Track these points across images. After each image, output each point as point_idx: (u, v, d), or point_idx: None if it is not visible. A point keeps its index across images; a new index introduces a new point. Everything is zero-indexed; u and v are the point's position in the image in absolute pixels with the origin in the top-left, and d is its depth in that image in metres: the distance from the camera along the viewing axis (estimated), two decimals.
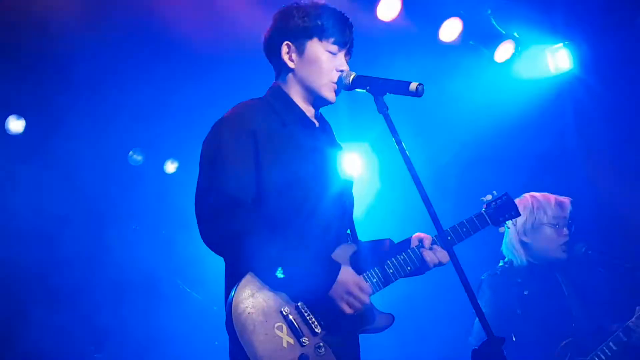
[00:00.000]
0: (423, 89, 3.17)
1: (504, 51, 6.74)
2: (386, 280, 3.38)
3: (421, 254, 3.46)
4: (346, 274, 3.18)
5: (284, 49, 3.41)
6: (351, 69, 3.42)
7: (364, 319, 3.28)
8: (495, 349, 2.93)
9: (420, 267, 3.48)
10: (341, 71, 3.39)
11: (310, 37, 3.38)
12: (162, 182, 7.32)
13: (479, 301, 3.06)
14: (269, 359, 3.03)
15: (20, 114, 6.54)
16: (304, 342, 3.11)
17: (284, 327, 3.10)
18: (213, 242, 3.17)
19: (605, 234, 5.99)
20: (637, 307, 5.00)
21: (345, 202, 3.44)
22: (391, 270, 3.40)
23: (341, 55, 3.42)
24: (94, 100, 6.47)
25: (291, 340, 3.09)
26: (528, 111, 6.76)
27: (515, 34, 6.69)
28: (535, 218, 5.27)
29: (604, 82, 6.56)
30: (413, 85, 3.18)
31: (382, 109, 3.20)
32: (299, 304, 3.15)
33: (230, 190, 3.14)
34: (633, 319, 4.98)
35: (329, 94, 3.41)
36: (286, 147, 3.30)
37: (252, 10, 5.42)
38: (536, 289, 5.22)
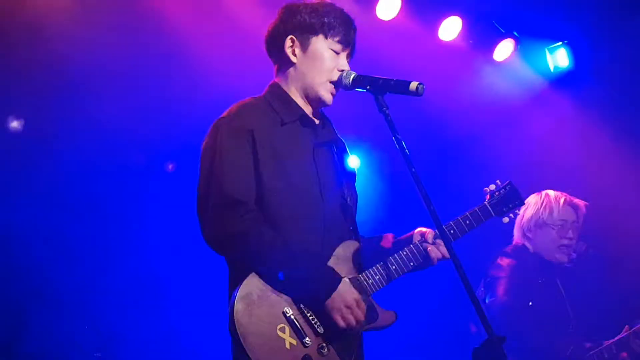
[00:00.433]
0: (423, 89, 3.17)
1: (503, 50, 6.74)
2: (389, 277, 3.37)
3: (424, 249, 3.46)
4: (345, 286, 3.17)
5: (288, 42, 3.39)
6: (351, 68, 3.42)
7: (367, 316, 3.26)
8: (496, 348, 2.93)
9: (424, 262, 3.47)
10: (342, 71, 3.39)
11: (315, 34, 3.37)
12: (166, 182, 7.30)
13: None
14: None
15: (20, 113, 6.54)
16: (307, 343, 3.11)
17: (287, 329, 3.09)
18: (214, 243, 3.16)
19: (605, 234, 5.99)
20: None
21: (347, 199, 3.42)
22: (394, 267, 3.39)
23: (343, 55, 3.42)
24: (94, 100, 6.46)
25: (294, 342, 3.09)
26: (527, 110, 6.76)
27: (515, 33, 6.70)
28: (540, 217, 5.26)
29: (603, 80, 6.57)
30: (413, 85, 3.18)
31: (382, 109, 3.20)
32: (301, 305, 3.15)
33: (229, 191, 3.13)
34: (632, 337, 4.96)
35: (326, 95, 3.40)
36: (285, 146, 3.29)
37: (254, 9, 5.42)
38: (538, 281, 5.21)
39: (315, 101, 3.43)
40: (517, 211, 3.85)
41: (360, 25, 3.49)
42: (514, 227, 5.38)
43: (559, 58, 6.77)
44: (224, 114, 3.33)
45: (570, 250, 5.25)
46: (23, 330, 6.41)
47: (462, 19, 6.45)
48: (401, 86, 3.20)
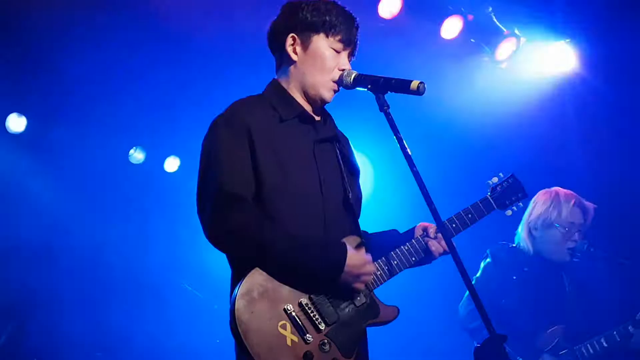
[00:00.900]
0: (424, 88, 3.18)
1: (505, 49, 6.73)
2: (391, 272, 3.38)
3: (426, 243, 3.46)
4: (351, 251, 3.20)
5: (289, 40, 3.39)
6: (352, 67, 3.42)
7: (368, 312, 3.27)
8: (497, 347, 2.93)
9: (426, 257, 3.47)
10: (343, 70, 3.38)
11: (317, 32, 3.36)
12: (164, 180, 7.31)
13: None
14: (273, 359, 3.03)
15: (21, 112, 6.54)
16: (309, 340, 3.11)
17: (288, 325, 3.09)
18: (216, 240, 3.16)
19: (607, 232, 5.98)
20: (638, 314, 4.97)
21: (349, 195, 3.40)
22: (396, 262, 3.39)
23: (344, 55, 3.41)
24: (94, 99, 6.48)
25: (295, 338, 3.09)
26: (529, 109, 6.75)
27: (517, 32, 6.69)
28: (548, 216, 5.20)
29: (607, 80, 6.55)
30: (414, 84, 3.19)
31: (384, 108, 3.21)
32: (302, 300, 3.15)
33: (229, 188, 3.13)
34: (630, 326, 4.96)
35: (326, 93, 3.39)
36: (283, 143, 3.28)
37: (255, 7, 5.41)
38: (537, 274, 5.19)
39: (315, 99, 3.42)
40: (520, 204, 3.83)
41: (361, 23, 3.49)
42: (516, 222, 5.35)
43: (562, 57, 6.76)
44: (222, 112, 3.33)
45: (572, 252, 5.22)
46: (24, 330, 6.43)
47: (464, 17, 6.45)
48: (402, 85, 3.21)
